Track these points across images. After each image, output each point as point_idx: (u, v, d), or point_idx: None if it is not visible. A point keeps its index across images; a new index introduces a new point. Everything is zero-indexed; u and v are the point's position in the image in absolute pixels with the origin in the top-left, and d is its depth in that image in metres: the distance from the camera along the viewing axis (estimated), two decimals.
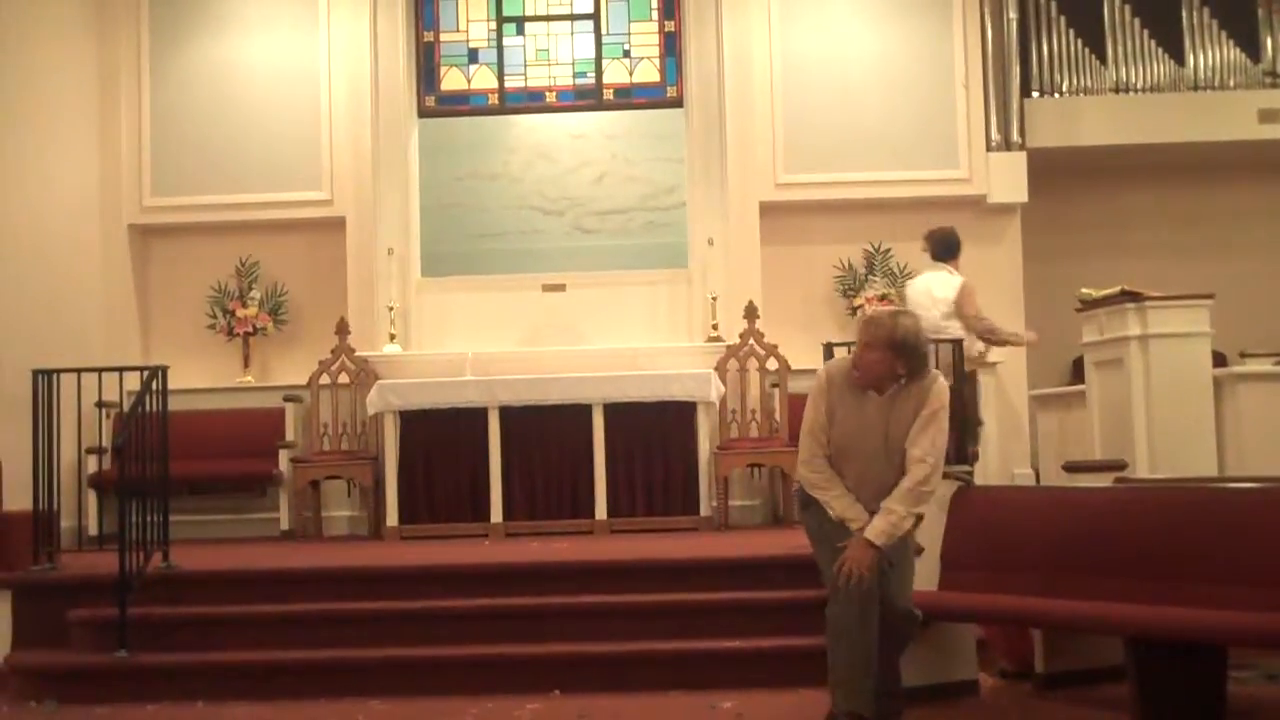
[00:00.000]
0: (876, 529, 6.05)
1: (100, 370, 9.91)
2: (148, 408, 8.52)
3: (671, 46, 12.90)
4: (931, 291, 10.34)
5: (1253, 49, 13.20)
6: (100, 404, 11.15)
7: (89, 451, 11.25)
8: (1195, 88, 13.19)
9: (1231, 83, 13.17)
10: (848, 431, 6.19)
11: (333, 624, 7.95)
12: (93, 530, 11.06)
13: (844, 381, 6.26)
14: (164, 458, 8.68)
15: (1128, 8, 13.24)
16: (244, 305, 12.53)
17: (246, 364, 12.58)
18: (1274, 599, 5.46)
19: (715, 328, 12.03)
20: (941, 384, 6.26)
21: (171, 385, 8.88)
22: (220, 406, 12.18)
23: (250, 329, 12.51)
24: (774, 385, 11.62)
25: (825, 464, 6.23)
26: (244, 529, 11.92)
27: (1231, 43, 13.19)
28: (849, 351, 6.48)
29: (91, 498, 11.22)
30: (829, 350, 8.65)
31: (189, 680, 7.59)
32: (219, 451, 11.65)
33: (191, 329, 12.64)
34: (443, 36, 13.01)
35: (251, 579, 8.51)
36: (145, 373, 8.70)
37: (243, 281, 12.65)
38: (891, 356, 6.12)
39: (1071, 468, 7.97)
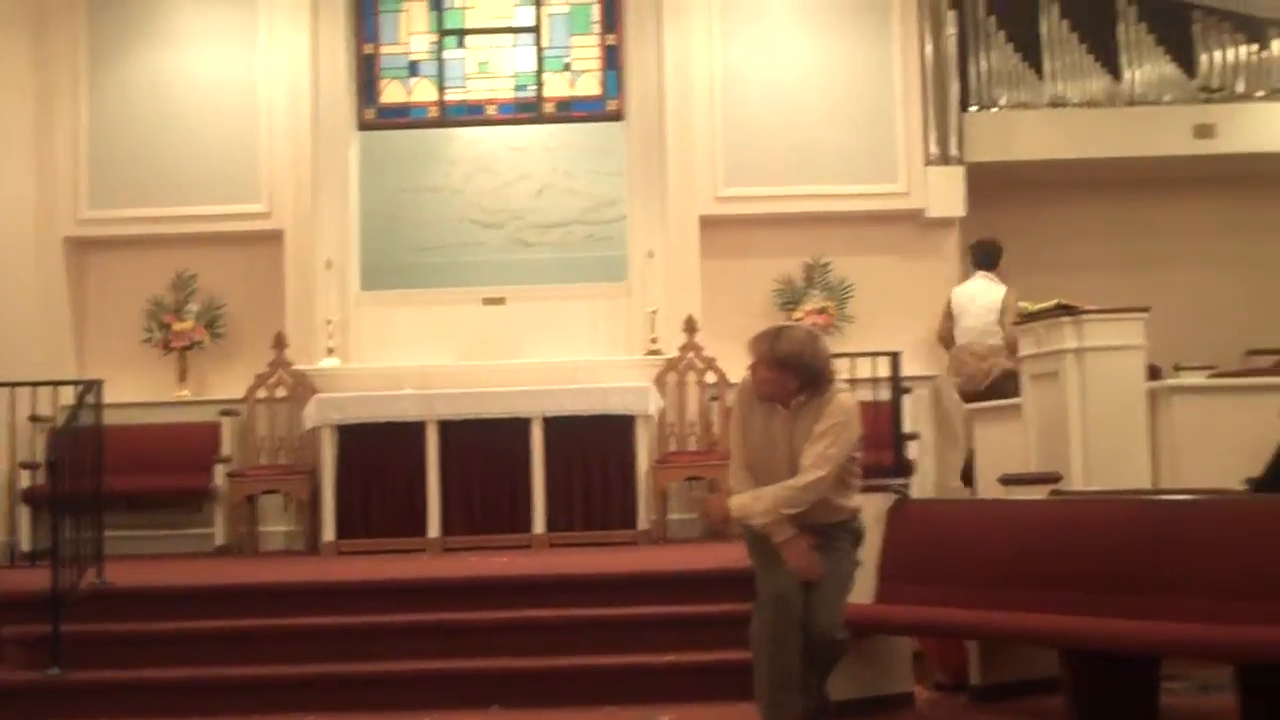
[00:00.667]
0: (742, 501, 6.19)
1: (35, 384, 9.88)
2: (82, 422, 8.46)
3: (612, 60, 12.91)
4: (976, 298, 11.17)
5: (1188, 64, 13.31)
6: (34, 418, 11.05)
7: (22, 466, 11.18)
8: (1131, 103, 13.28)
9: (1167, 98, 13.27)
10: (757, 445, 6.27)
11: (269, 640, 7.90)
12: (25, 546, 11.00)
13: (751, 396, 6.35)
14: (98, 472, 8.61)
15: (1065, 23, 13.31)
16: (180, 319, 12.43)
17: (183, 378, 12.49)
18: (1206, 610, 5.50)
19: (655, 341, 12.03)
20: (841, 399, 6.25)
21: (107, 399, 8.84)
22: (156, 421, 12.09)
23: (187, 343, 12.42)
24: (713, 398, 11.64)
25: (747, 477, 6.28)
26: (179, 544, 11.81)
27: (1168, 58, 13.29)
28: None
29: (24, 513, 11.16)
30: None
31: (123, 698, 7.53)
32: (154, 466, 11.55)
33: (127, 342, 12.53)
34: (383, 49, 12.98)
35: (187, 595, 8.47)
36: (80, 387, 8.65)
37: (179, 295, 12.55)
38: (778, 373, 6.18)
39: (1007, 480, 8.00)
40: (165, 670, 7.74)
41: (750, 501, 6.17)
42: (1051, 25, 13.33)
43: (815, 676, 6.32)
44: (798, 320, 12.27)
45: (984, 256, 11.43)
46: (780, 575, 6.08)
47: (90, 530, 8.42)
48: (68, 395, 9.03)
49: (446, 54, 13.03)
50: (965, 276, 12.21)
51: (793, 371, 6.17)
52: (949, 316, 11.43)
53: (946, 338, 11.48)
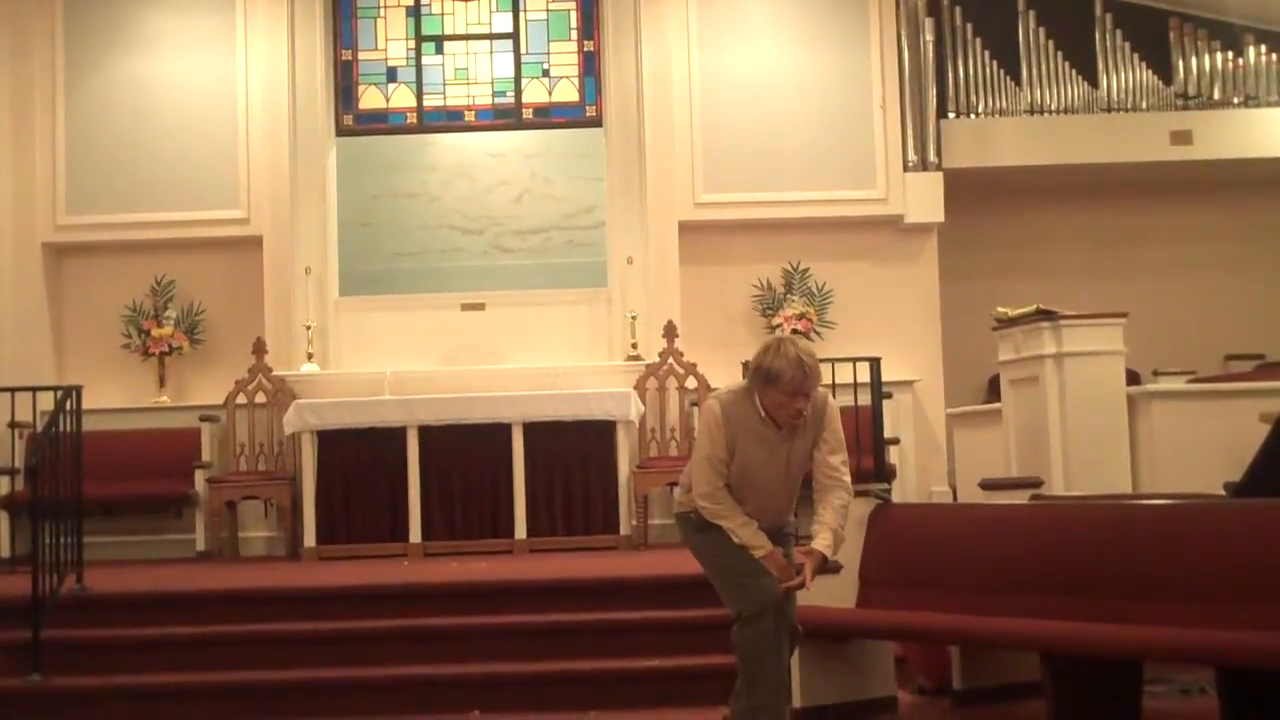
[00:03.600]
0: (826, 542, 6.07)
1: (13, 390, 9.83)
2: (61, 428, 8.44)
3: (591, 66, 12.92)
4: None
5: (1165, 71, 13.38)
6: (13, 424, 10.97)
7: (2, 472, 11.12)
8: (1109, 109, 13.34)
9: (1144, 104, 13.34)
10: (751, 463, 6.10)
11: (250, 645, 7.89)
12: (4, 552, 10.97)
13: (742, 419, 6.12)
14: (78, 478, 8.59)
15: (1042, 30, 13.37)
16: (159, 324, 12.40)
17: (162, 384, 12.46)
18: (1187, 614, 5.52)
19: (635, 346, 12.04)
20: (831, 403, 6.23)
21: (86, 405, 8.82)
22: (135, 426, 12.07)
23: (166, 348, 12.38)
24: (693, 404, 11.64)
25: (726, 494, 6.17)
26: (160, 550, 11.79)
27: (1144, 65, 13.36)
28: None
29: (4, 519, 11.12)
30: (748, 370, 8.67)
31: (104, 704, 7.54)
32: (134, 472, 11.54)
33: (106, 348, 12.49)
34: (361, 55, 12.97)
35: (167, 601, 8.46)
36: (59, 392, 8.62)
37: (158, 300, 12.52)
38: (808, 399, 6.01)
39: (988, 485, 8.04)
40: (146, 676, 7.72)
41: (840, 535, 6.13)
42: (1029, 32, 13.39)
43: None
44: (777, 326, 12.34)
45: None
46: (770, 585, 6.08)
47: (70, 536, 8.39)
48: (47, 401, 9.02)
49: (425, 60, 13.02)
50: (944, 282, 12.26)
51: (810, 396, 6.04)
52: None
53: None
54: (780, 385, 5.91)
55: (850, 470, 6.25)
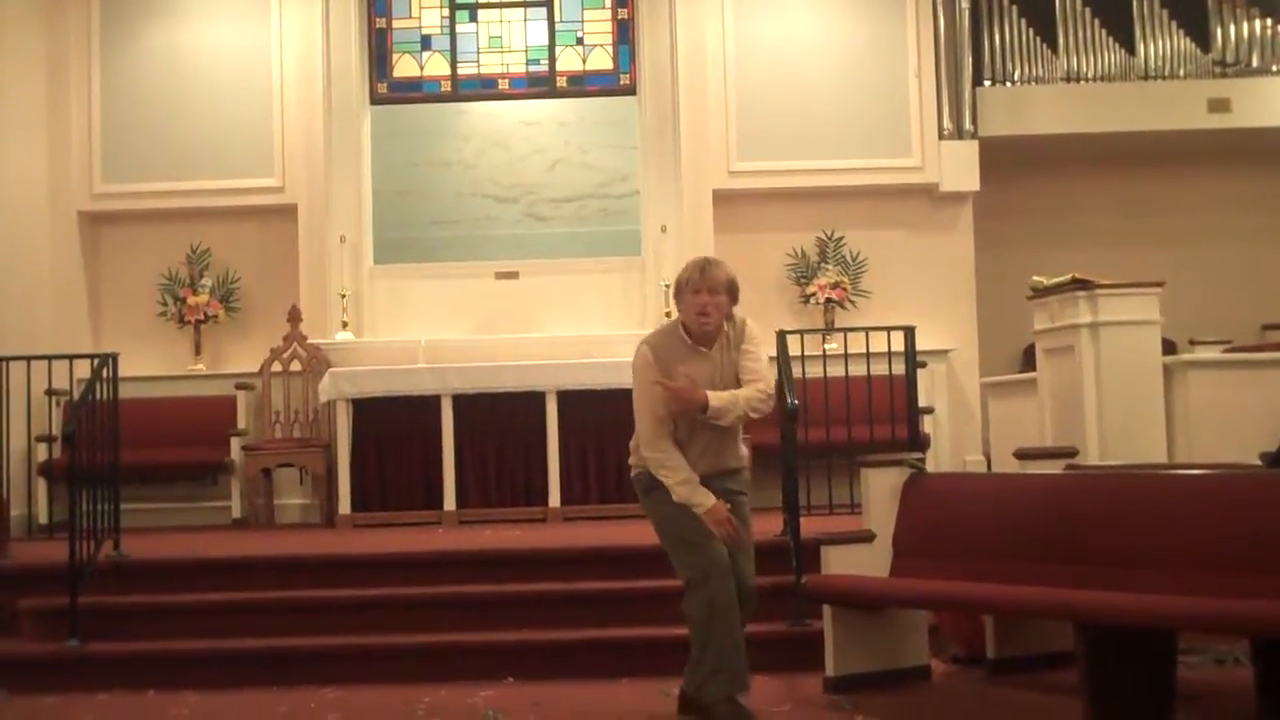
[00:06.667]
0: (717, 398, 6.14)
1: (50, 358, 9.89)
2: (98, 395, 8.49)
3: (625, 34, 12.89)
4: None
5: (1202, 39, 13.27)
6: (50, 392, 11.09)
7: (39, 440, 11.20)
8: (1145, 77, 13.25)
9: (1181, 72, 13.24)
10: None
11: (285, 612, 7.93)
12: (43, 519, 11.03)
13: (670, 349, 6.32)
14: (115, 446, 8.64)
15: None
16: (195, 292, 12.46)
17: (198, 351, 12.52)
18: (1222, 584, 5.50)
19: (668, 315, 11.99)
20: (751, 325, 6.40)
21: (122, 373, 8.87)
22: (171, 394, 12.14)
23: (201, 316, 12.44)
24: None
25: (671, 443, 6.27)
26: (195, 517, 11.88)
27: (1182, 32, 13.26)
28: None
29: (41, 486, 11.17)
30: (782, 338, 8.67)
31: (140, 669, 7.57)
32: (170, 439, 11.61)
33: (142, 316, 12.56)
34: (395, 23, 12.97)
35: (203, 567, 8.49)
36: (95, 360, 8.67)
37: (194, 269, 12.57)
38: (727, 298, 6.26)
39: (1023, 455, 8.00)
40: (182, 642, 7.77)
41: (728, 404, 6.15)
42: (1065, 0, 13.28)
43: None
44: (811, 295, 12.33)
45: None
46: (716, 547, 6.13)
47: (107, 503, 8.46)
48: (83, 369, 9.05)
49: (459, 28, 13.01)
50: (979, 251, 12.21)
51: (729, 295, 6.28)
52: None
53: None
54: (690, 285, 6.22)
55: (773, 391, 6.34)
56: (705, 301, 6.21)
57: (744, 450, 6.57)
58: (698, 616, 6.19)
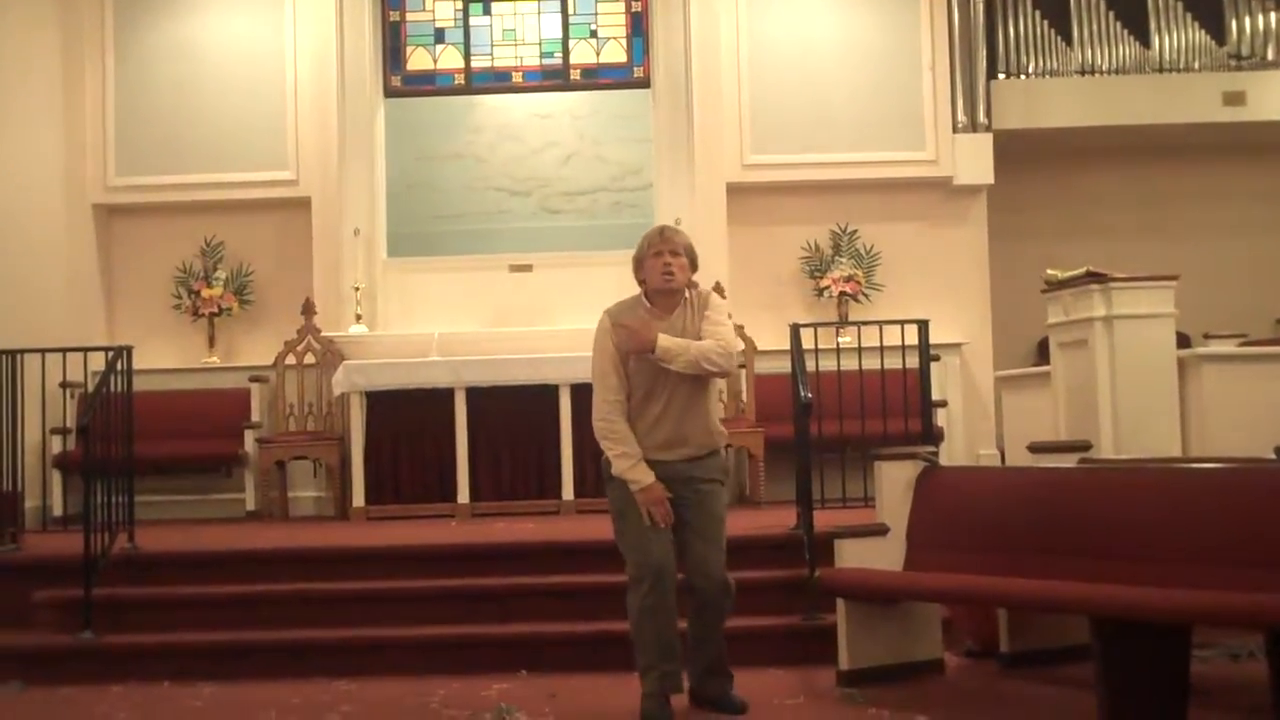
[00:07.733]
0: (667, 340, 6.25)
1: (64, 350, 9.90)
2: (112, 388, 8.51)
3: (638, 27, 12.88)
4: None
5: (1218, 31, 13.24)
6: (65, 384, 11.10)
7: (53, 432, 11.21)
8: (1160, 70, 13.23)
9: (1196, 65, 13.21)
10: (650, 365, 6.29)
11: (299, 605, 7.95)
12: (57, 511, 11.05)
13: (629, 313, 6.47)
14: (129, 438, 8.67)
15: None
16: (209, 285, 12.47)
17: (212, 344, 12.53)
18: (1236, 578, 5.49)
19: None
20: (715, 297, 6.55)
21: (136, 365, 8.88)
22: (185, 387, 12.18)
23: (215, 309, 12.46)
24: (740, 366, 11.60)
25: (620, 415, 6.35)
26: (209, 510, 11.90)
27: (1197, 25, 13.24)
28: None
29: (56, 478, 11.19)
30: (795, 331, 8.65)
31: (154, 661, 7.59)
32: (184, 432, 11.62)
33: (156, 309, 12.59)
34: (409, 16, 12.97)
35: (217, 560, 8.50)
36: (110, 353, 8.69)
37: (208, 261, 12.59)
38: (687, 261, 6.46)
39: (1036, 448, 7.99)
40: (196, 634, 7.79)
41: (679, 348, 6.23)
42: None
43: (709, 628, 6.46)
44: (825, 289, 12.33)
45: None
46: (654, 546, 6.20)
47: (121, 495, 8.48)
48: (98, 361, 9.08)
49: (472, 21, 13.01)
50: (993, 244, 12.19)
51: (689, 259, 6.47)
52: None
53: None
54: (652, 248, 6.44)
55: (732, 350, 6.44)
56: (668, 261, 6.40)
57: (718, 428, 6.56)
58: (631, 615, 6.33)
